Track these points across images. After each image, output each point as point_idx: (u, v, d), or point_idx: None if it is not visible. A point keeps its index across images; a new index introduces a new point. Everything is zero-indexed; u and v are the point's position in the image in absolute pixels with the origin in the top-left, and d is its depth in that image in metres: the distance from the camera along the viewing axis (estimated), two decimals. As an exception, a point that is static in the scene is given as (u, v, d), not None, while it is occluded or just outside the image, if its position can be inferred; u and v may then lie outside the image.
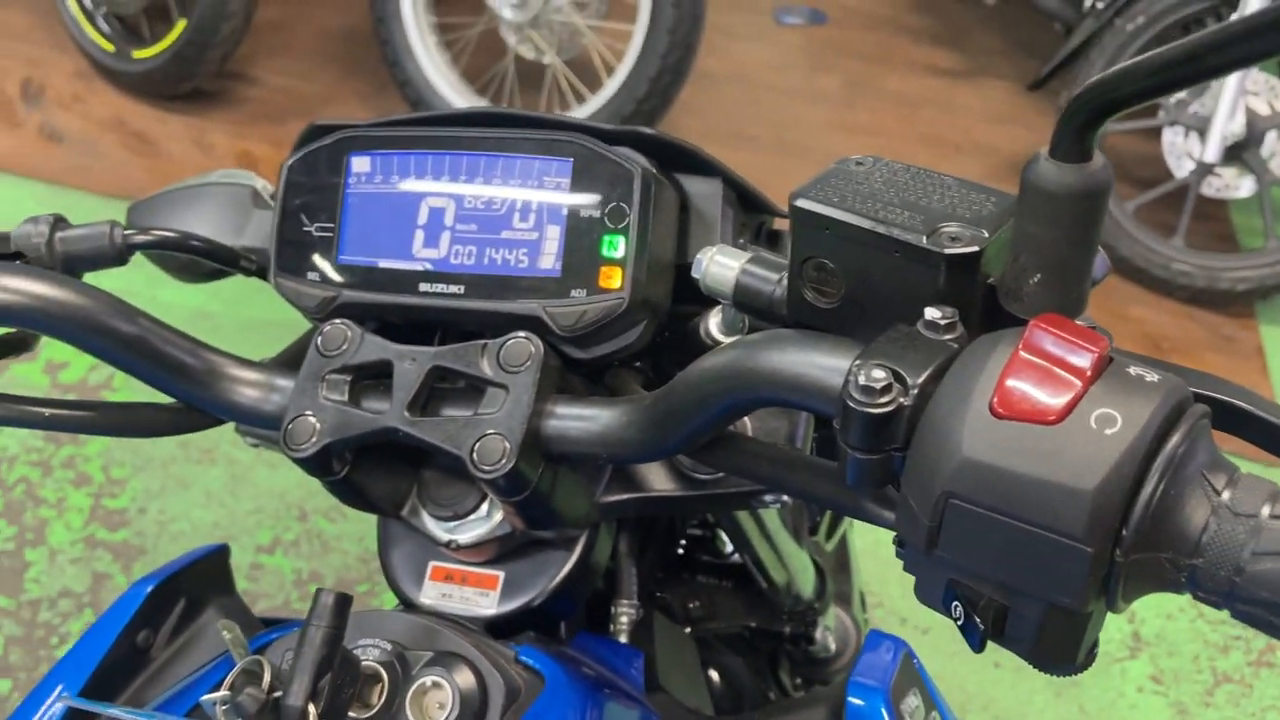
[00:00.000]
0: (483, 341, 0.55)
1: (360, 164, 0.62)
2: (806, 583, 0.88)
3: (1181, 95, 2.74)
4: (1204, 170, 2.70)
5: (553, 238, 0.58)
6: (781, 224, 0.66)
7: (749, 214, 0.63)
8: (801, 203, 0.45)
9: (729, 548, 0.88)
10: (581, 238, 0.57)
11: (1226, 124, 2.61)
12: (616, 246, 0.57)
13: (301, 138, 0.65)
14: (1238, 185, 2.72)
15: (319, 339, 0.57)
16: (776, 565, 0.81)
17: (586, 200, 0.57)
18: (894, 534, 0.41)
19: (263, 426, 0.59)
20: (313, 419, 0.55)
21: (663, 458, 0.56)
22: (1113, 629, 2.02)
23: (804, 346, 0.43)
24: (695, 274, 0.51)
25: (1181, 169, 2.76)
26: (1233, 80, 2.57)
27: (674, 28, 2.57)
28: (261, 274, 0.68)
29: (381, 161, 0.61)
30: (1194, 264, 2.69)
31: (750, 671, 0.96)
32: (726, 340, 0.56)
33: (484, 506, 0.58)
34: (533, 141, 0.59)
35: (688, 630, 0.83)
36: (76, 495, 2.05)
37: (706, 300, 0.64)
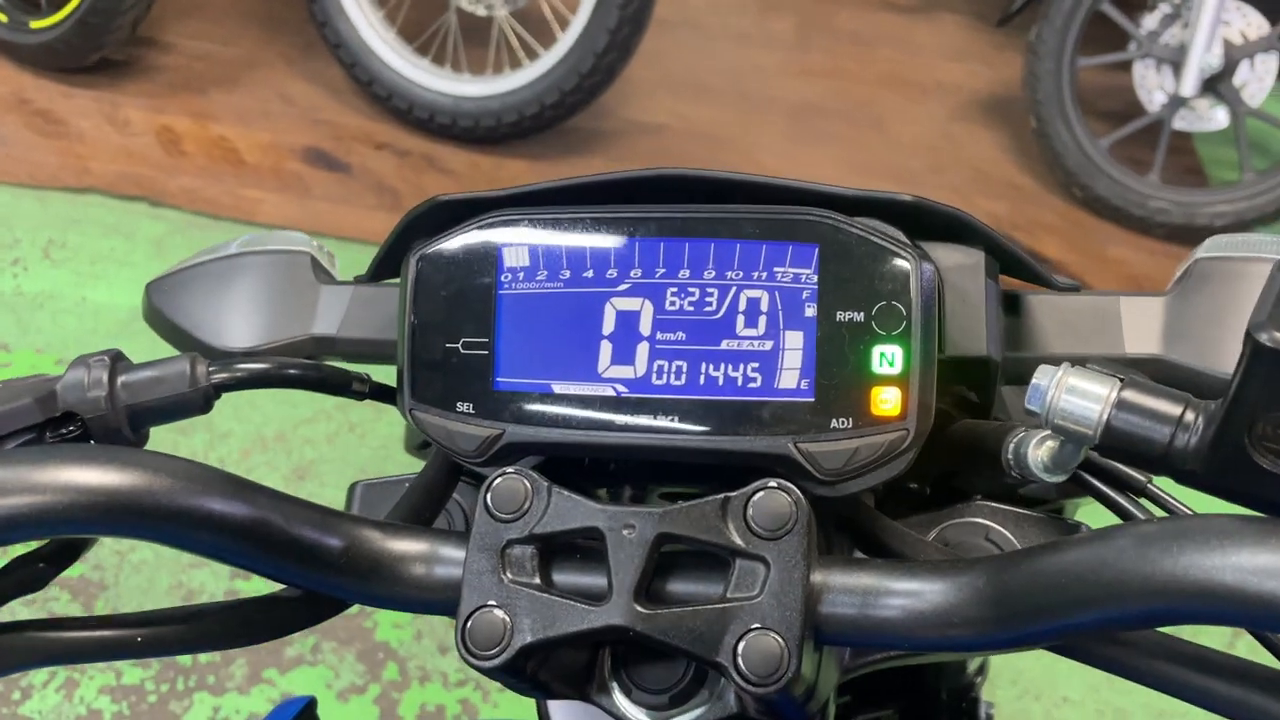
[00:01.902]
0: (722, 497, 0.41)
1: (516, 256, 0.47)
2: (980, 657, 0.77)
3: (1153, 26, 2.67)
4: (1177, 103, 2.64)
5: (795, 348, 0.44)
6: (1009, 283, 0.53)
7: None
8: (1274, 340, 0.31)
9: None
10: (840, 348, 0.44)
11: (1204, 55, 2.54)
12: (893, 360, 0.43)
13: (418, 217, 0.50)
14: (1210, 117, 2.67)
15: (489, 497, 0.43)
16: None
17: (843, 298, 0.44)
18: None
19: (429, 613, 0.44)
20: (500, 614, 0.41)
21: (996, 652, 0.43)
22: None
23: None
24: (1034, 405, 0.38)
25: (1153, 103, 2.69)
26: (1210, 9, 2.50)
27: (631, -27, 2.39)
28: (378, 396, 0.53)
29: (545, 253, 0.47)
30: (1171, 200, 2.64)
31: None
32: (1049, 477, 0.43)
33: (705, 685, 0.45)
34: (756, 222, 0.45)
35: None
36: (20, 529, 1.85)
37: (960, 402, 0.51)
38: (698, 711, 0.45)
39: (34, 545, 0.45)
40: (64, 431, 0.46)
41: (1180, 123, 2.68)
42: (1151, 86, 2.69)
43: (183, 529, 0.40)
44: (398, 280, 0.56)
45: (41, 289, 2.17)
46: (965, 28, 3.30)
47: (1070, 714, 1.78)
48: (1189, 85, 2.58)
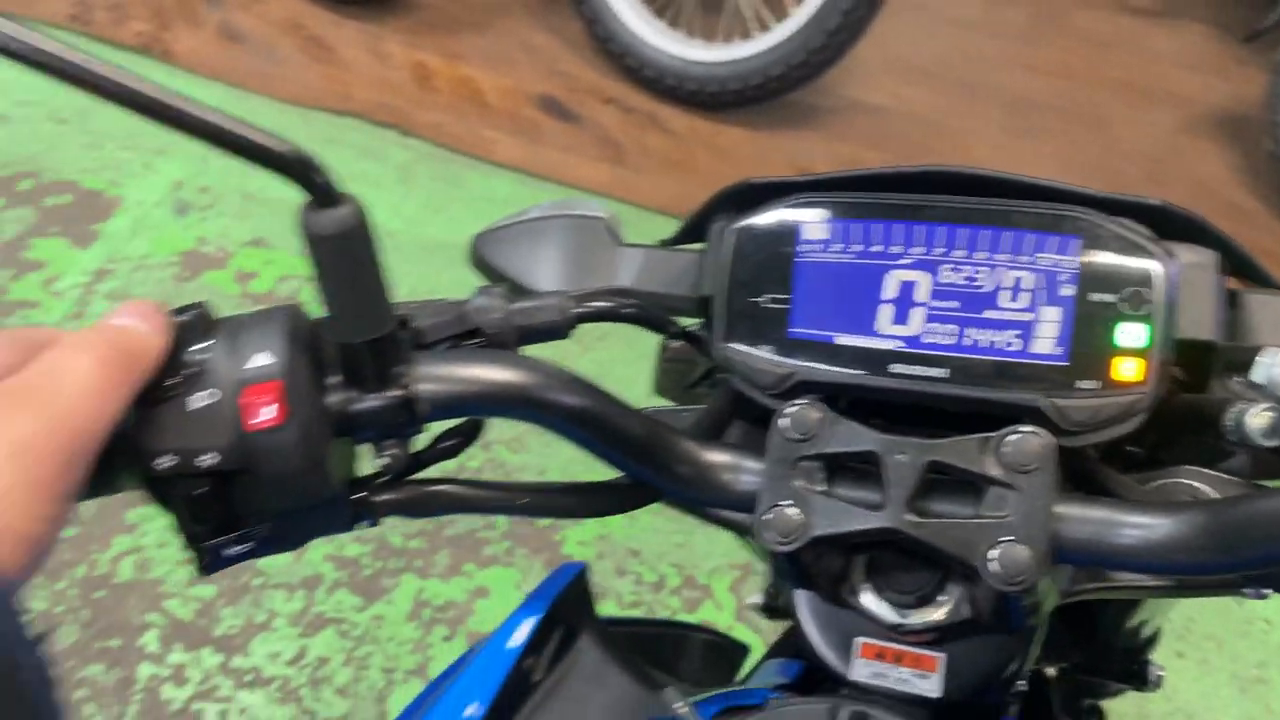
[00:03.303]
0: (982, 435, 0.51)
1: (814, 231, 0.58)
2: (1156, 624, 0.84)
3: None
4: None
5: (1051, 320, 0.53)
6: (1236, 283, 0.60)
7: None
8: None
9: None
10: (1092, 323, 0.53)
11: None
12: (1137, 336, 0.52)
13: (729, 196, 0.61)
14: None
15: (784, 421, 0.54)
16: (1146, 612, 0.78)
17: (1098, 282, 0.53)
18: None
19: (729, 508, 0.57)
20: (794, 511, 0.52)
21: (1203, 575, 0.52)
22: (1299, 626, 1.96)
23: None
24: (1259, 378, 0.47)
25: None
26: None
27: (873, -44, 2.44)
28: (681, 337, 0.65)
29: (840, 229, 0.57)
30: None
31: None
32: (1266, 442, 0.51)
33: (943, 593, 0.56)
34: (1027, 215, 0.55)
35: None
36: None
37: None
38: (938, 614, 0.55)
39: (453, 423, 0.57)
40: (471, 342, 0.57)
41: None
42: None
43: (561, 418, 0.53)
44: (690, 246, 0.68)
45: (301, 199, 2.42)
46: (1207, 38, 3.19)
47: (1219, 736, 1.80)
48: None
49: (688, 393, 0.83)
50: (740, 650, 1.00)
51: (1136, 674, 0.88)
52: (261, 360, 0.47)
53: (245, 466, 0.47)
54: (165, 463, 0.46)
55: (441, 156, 2.58)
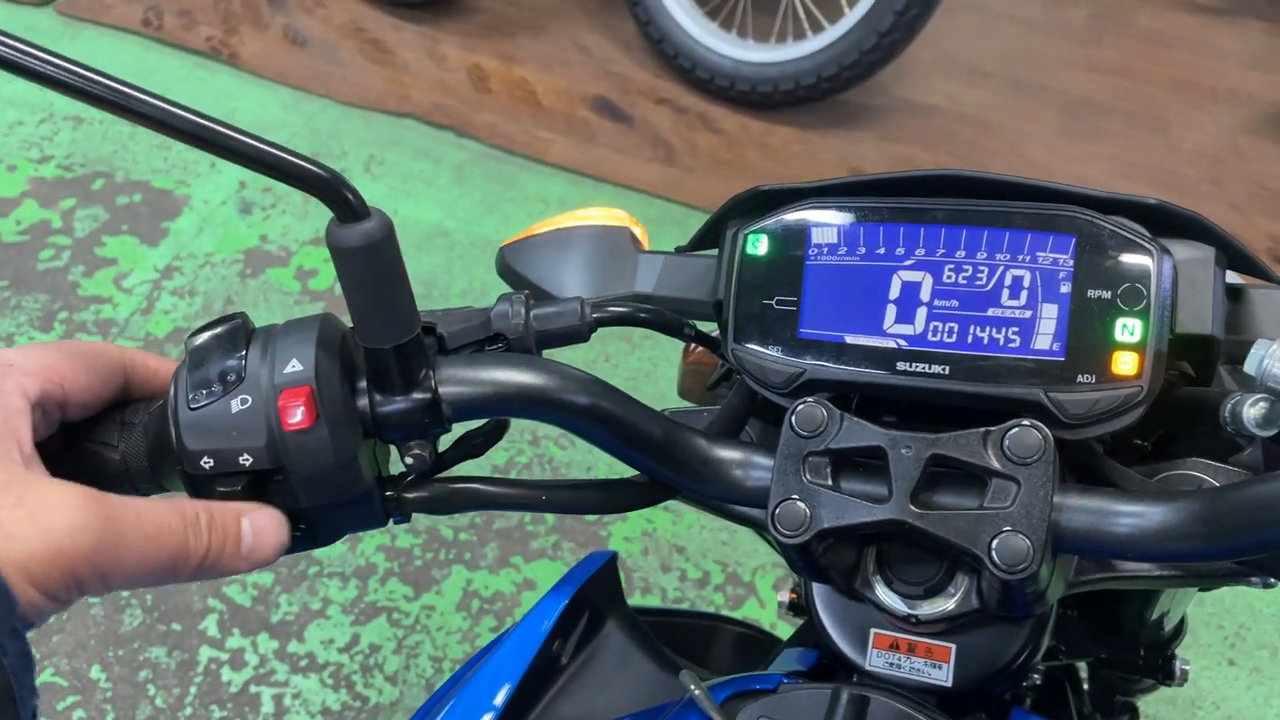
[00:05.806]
0: (983, 429, 0.53)
1: (823, 235, 0.60)
2: (1177, 617, 0.85)
3: None
4: None
5: (1050, 317, 0.55)
6: (1238, 279, 0.61)
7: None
8: None
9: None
10: (1089, 319, 0.54)
11: None
12: (1133, 331, 0.53)
13: (741, 203, 0.63)
14: None
15: (793, 418, 0.56)
16: (1165, 604, 0.78)
17: (1094, 279, 0.54)
18: None
19: (741, 504, 0.59)
20: (801, 504, 0.55)
21: (1200, 562, 0.53)
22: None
23: None
24: (1251, 369, 0.48)
25: None
26: None
27: (926, -44, 2.44)
28: (696, 339, 0.67)
29: (846, 233, 0.59)
30: None
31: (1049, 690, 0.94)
32: (1261, 432, 0.52)
33: (952, 584, 0.57)
34: (1024, 215, 0.56)
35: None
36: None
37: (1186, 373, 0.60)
38: (948, 605, 0.57)
39: (476, 425, 0.60)
40: (493, 347, 0.59)
41: None
42: None
43: (578, 419, 0.55)
44: (706, 251, 0.70)
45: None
46: (1272, 36, 3.12)
47: (1269, 746, 1.77)
48: None
49: (709, 393, 0.85)
50: (773, 643, 1.02)
51: (1162, 668, 0.89)
52: (294, 366, 0.50)
53: (280, 466, 0.50)
54: (206, 463, 0.50)
55: (496, 157, 2.63)
